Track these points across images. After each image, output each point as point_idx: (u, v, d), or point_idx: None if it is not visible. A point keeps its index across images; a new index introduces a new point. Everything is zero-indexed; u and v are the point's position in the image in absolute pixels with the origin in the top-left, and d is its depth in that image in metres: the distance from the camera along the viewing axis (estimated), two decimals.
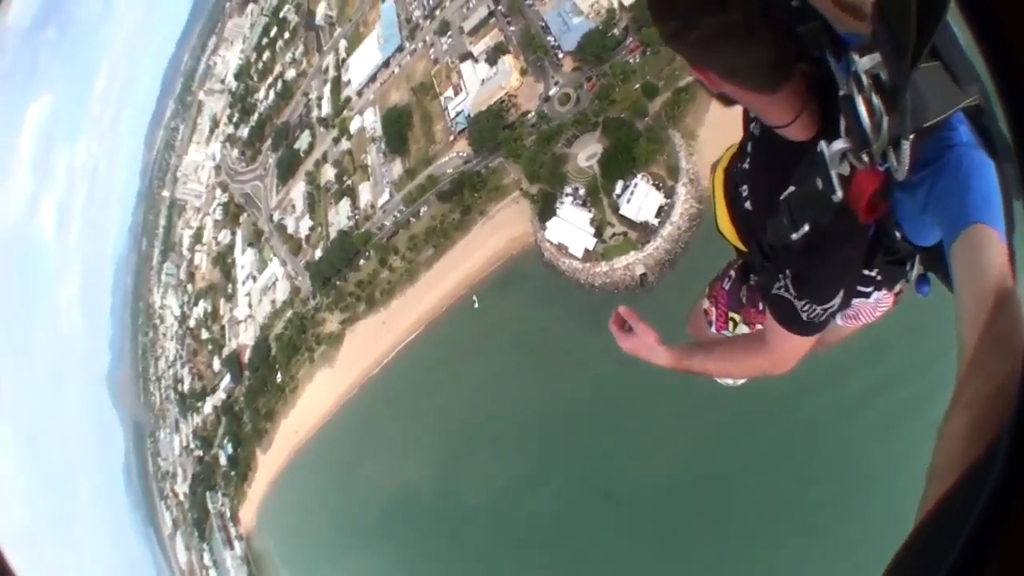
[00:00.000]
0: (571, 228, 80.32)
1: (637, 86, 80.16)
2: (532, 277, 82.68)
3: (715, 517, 56.78)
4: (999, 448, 1.35)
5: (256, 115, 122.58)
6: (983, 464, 1.39)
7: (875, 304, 3.97)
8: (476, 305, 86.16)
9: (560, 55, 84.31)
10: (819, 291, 3.11)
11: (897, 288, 3.80)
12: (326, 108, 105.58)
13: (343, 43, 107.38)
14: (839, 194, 2.66)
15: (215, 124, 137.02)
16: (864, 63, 2.26)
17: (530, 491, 69.57)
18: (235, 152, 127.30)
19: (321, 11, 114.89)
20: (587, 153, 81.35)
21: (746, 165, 3.59)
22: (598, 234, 79.81)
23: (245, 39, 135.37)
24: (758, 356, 3.47)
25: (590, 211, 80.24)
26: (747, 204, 3.56)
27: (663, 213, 77.82)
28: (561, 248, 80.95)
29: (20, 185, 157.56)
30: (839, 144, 2.56)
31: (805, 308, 3.13)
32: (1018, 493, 1.23)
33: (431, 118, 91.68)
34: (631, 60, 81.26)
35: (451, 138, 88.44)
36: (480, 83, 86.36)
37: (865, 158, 2.48)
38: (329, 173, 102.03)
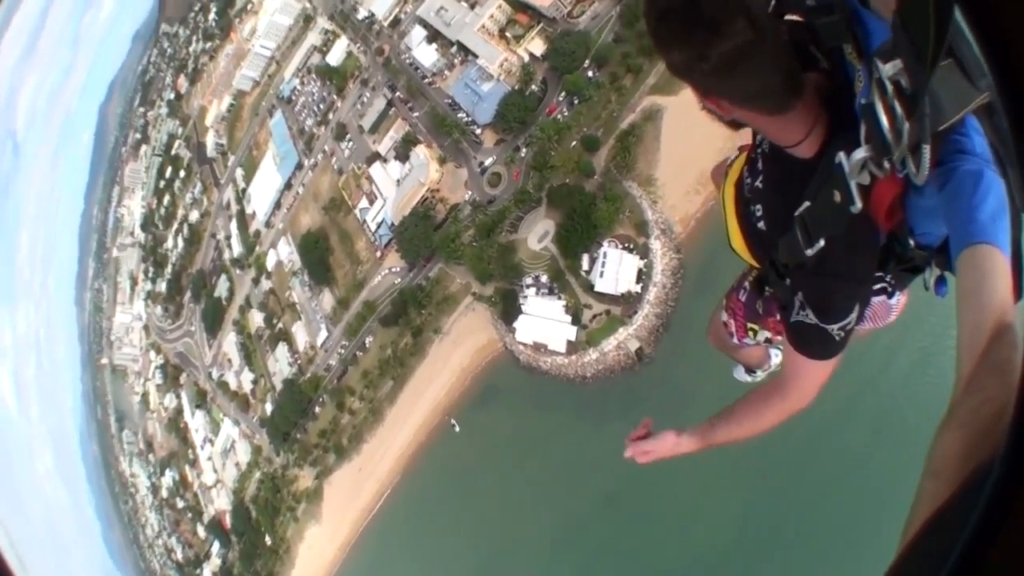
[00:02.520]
0: (544, 323, 63.06)
1: (575, 143, 61.23)
2: (512, 386, 65.91)
3: None
4: (992, 469, 1.26)
5: (169, 266, 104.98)
6: (975, 485, 1.29)
7: (888, 307, 3.59)
8: (457, 429, 68.66)
9: (478, 131, 65.40)
10: (835, 308, 2.77)
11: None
12: (237, 248, 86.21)
13: (239, 172, 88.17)
14: (859, 205, 2.37)
15: (134, 281, 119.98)
16: (888, 70, 2.04)
17: None
18: (158, 309, 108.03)
19: (211, 141, 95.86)
20: (538, 234, 62.43)
21: (759, 184, 3.15)
22: (576, 320, 62.35)
23: (144, 184, 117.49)
24: (779, 399, 3.06)
25: (560, 298, 62.02)
26: (760, 224, 3.14)
27: (643, 276, 60.78)
28: (538, 348, 63.79)
29: None
30: (860, 153, 2.28)
31: (825, 329, 2.78)
32: (1012, 513, 1.18)
33: (350, 236, 72.23)
34: (560, 116, 62.10)
35: (378, 254, 69.24)
36: (396, 185, 67.07)
37: (886, 165, 2.21)
38: (257, 318, 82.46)
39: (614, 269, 60.82)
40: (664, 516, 54.75)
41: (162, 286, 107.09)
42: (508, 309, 63.95)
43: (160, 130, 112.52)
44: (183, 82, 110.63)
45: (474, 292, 66.09)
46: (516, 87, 65.11)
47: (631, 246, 60.99)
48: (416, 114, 70.77)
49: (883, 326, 3.91)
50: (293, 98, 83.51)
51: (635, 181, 61.56)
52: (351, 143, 75.30)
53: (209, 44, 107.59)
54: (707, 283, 59.79)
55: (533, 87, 65.14)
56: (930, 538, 1.32)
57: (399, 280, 69.19)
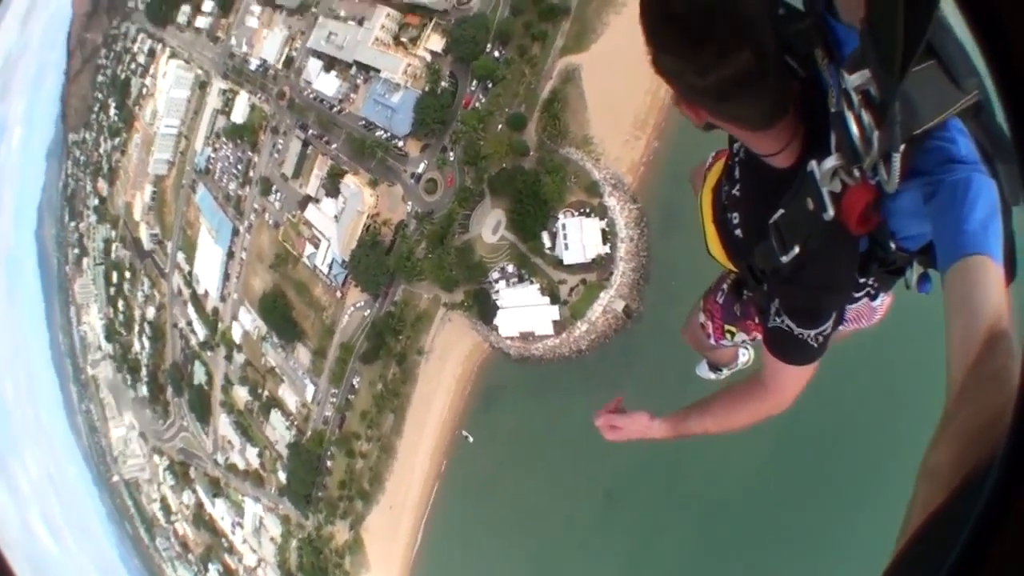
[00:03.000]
0: (524, 311, 59.05)
1: (501, 126, 57.08)
2: (512, 381, 62.08)
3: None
4: (990, 473, 1.24)
5: (143, 369, 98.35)
6: (972, 489, 1.28)
7: (872, 309, 3.51)
8: (470, 440, 64.46)
9: (400, 143, 61.05)
10: (811, 316, 2.70)
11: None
12: (201, 331, 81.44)
13: (180, 256, 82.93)
14: (831, 212, 2.33)
15: (116, 394, 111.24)
16: (854, 80, 2.02)
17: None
18: (148, 413, 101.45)
19: (145, 234, 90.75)
20: (491, 226, 58.46)
21: (736, 191, 3.08)
22: (556, 299, 58.35)
23: (96, 296, 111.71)
24: (757, 400, 2.98)
25: (532, 282, 58.30)
26: (738, 231, 3.09)
27: (608, 236, 57.13)
28: (526, 337, 59.77)
29: None
30: (830, 162, 2.24)
31: (801, 335, 2.71)
32: (1006, 524, 1.16)
33: (306, 285, 67.68)
34: (477, 104, 57.92)
35: (338, 294, 64.86)
36: (334, 221, 62.31)
37: (856, 173, 2.18)
38: (242, 393, 77.71)
39: (577, 237, 57.23)
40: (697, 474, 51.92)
41: (143, 390, 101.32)
42: (484, 309, 59.94)
43: (95, 239, 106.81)
44: (103, 185, 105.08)
45: (445, 303, 61.90)
46: (426, 89, 60.88)
47: (587, 210, 57.37)
48: (334, 146, 66.26)
49: (867, 327, 3.74)
50: (210, 167, 78.64)
51: (572, 145, 57.98)
52: (279, 194, 70.69)
53: (117, 140, 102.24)
54: (672, 222, 56.44)
55: (443, 84, 60.93)
56: (926, 541, 1.28)
57: (367, 313, 64.77)
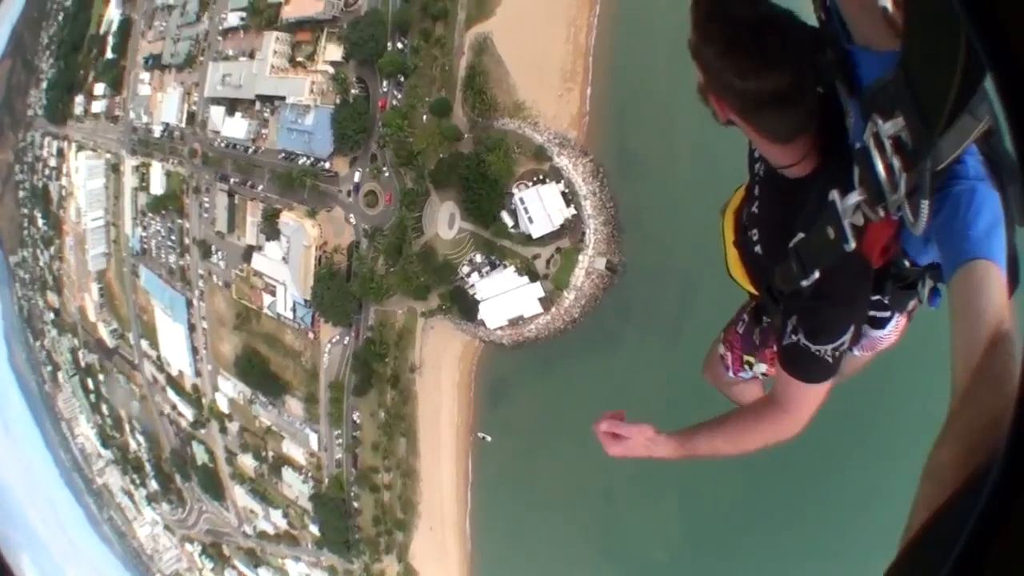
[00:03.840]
0: (506, 297, 53.42)
1: (426, 117, 50.03)
2: (514, 369, 56.66)
3: None
4: (988, 478, 1.22)
5: (147, 464, 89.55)
6: (972, 490, 1.25)
7: (889, 331, 3.19)
8: (489, 439, 58.79)
9: (327, 164, 53.47)
10: (827, 331, 2.57)
11: (909, 307, 3.08)
12: (188, 411, 73.35)
13: (144, 344, 74.67)
14: (852, 244, 2.22)
15: (131, 496, 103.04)
16: (887, 128, 1.91)
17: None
18: (165, 506, 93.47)
19: (104, 333, 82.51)
20: (445, 221, 51.79)
21: (755, 209, 2.97)
22: (535, 276, 52.78)
23: (81, 407, 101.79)
24: (770, 420, 2.77)
25: (505, 266, 51.61)
26: (757, 248, 2.97)
27: (569, 197, 51.56)
28: (515, 322, 54.23)
29: None
30: (853, 197, 2.13)
31: (816, 351, 2.57)
32: (1007, 523, 1.14)
33: (276, 336, 60.80)
34: (394, 102, 50.95)
35: (310, 335, 57.55)
36: (284, 264, 54.63)
37: (880, 212, 2.09)
38: (247, 461, 70.99)
39: (539, 207, 51.81)
40: None
41: (153, 484, 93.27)
42: (464, 306, 53.67)
43: (61, 351, 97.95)
44: (52, 297, 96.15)
45: (422, 312, 55.47)
46: (338, 102, 53.87)
47: (541, 177, 51.95)
48: (260, 188, 58.99)
49: (886, 348, 3.34)
50: (145, 247, 70.80)
51: (505, 116, 52.57)
52: (220, 253, 63.25)
53: (52, 248, 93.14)
54: (627, 164, 51.49)
55: (354, 92, 54.06)
56: (928, 540, 1.25)
57: (346, 345, 57.58)
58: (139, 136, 70.82)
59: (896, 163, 1.90)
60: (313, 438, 64.19)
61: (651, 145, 50.20)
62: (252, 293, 60.62)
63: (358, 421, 61.62)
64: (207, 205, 62.76)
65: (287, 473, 69.33)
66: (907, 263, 2.54)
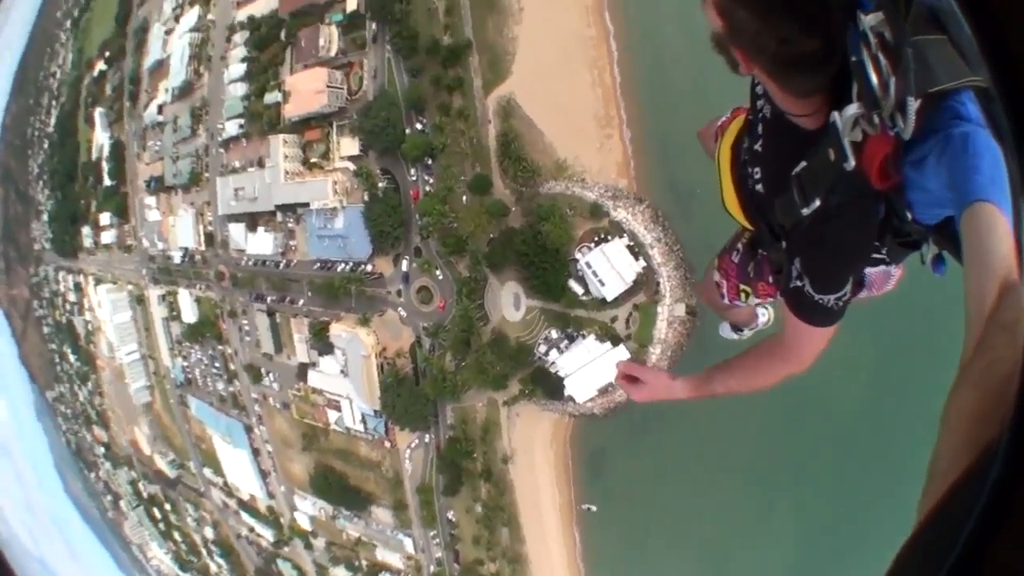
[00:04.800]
0: (591, 368, 47.38)
1: (465, 196, 44.55)
2: (608, 436, 51.30)
3: None
4: (1000, 443, 1.21)
5: None
6: (986, 458, 1.24)
7: (888, 276, 3.27)
8: (594, 509, 53.53)
9: (369, 267, 47.75)
10: (831, 282, 2.52)
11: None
12: (267, 532, 67.93)
13: (207, 471, 69.34)
14: (851, 162, 2.16)
15: None
16: (869, 20, 1.98)
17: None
18: None
19: (162, 464, 77.75)
20: (510, 304, 46.02)
21: (758, 147, 2.85)
22: (616, 339, 47.26)
23: (150, 534, 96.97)
24: (779, 360, 2.81)
25: (584, 336, 46.42)
26: (758, 186, 2.85)
27: (635, 249, 46.39)
28: (605, 390, 48.44)
29: None
30: (851, 110, 2.10)
31: (821, 299, 2.53)
32: (1019, 487, 1.12)
33: (349, 451, 55.87)
34: (427, 188, 45.33)
35: (387, 444, 51.56)
36: (344, 377, 49.06)
37: (876, 121, 2.06)
38: (340, 572, 65.84)
39: (607, 268, 46.72)
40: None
41: None
42: (548, 386, 48.45)
43: (119, 483, 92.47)
44: (100, 432, 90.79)
45: (504, 401, 49.39)
46: (366, 198, 47.84)
47: (602, 235, 46.59)
48: (301, 302, 52.93)
49: (880, 294, 3.48)
50: (190, 377, 65.07)
51: (549, 179, 46.49)
52: (271, 375, 57.59)
53: (89, 383, 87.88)
54: (683, 198, 45.69)
55: (381, 184, 47.90)
56: (929, 535, 1.23)
57: (428, 446, 51.95)
58: (158, 264, 65.36)
59: (884, 65, 1.89)
60: (408, 542, 58.46)
61: (700, 173, 44.89)
62: (314, 411, 54.88)
63: (453, 519, 55.91)
64: (247, 328, 57.10)
65: None
66: (909, 215, 2.43)
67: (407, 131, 46.71)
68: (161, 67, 65.34)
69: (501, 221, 45.24)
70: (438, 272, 46.96)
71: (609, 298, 46.06)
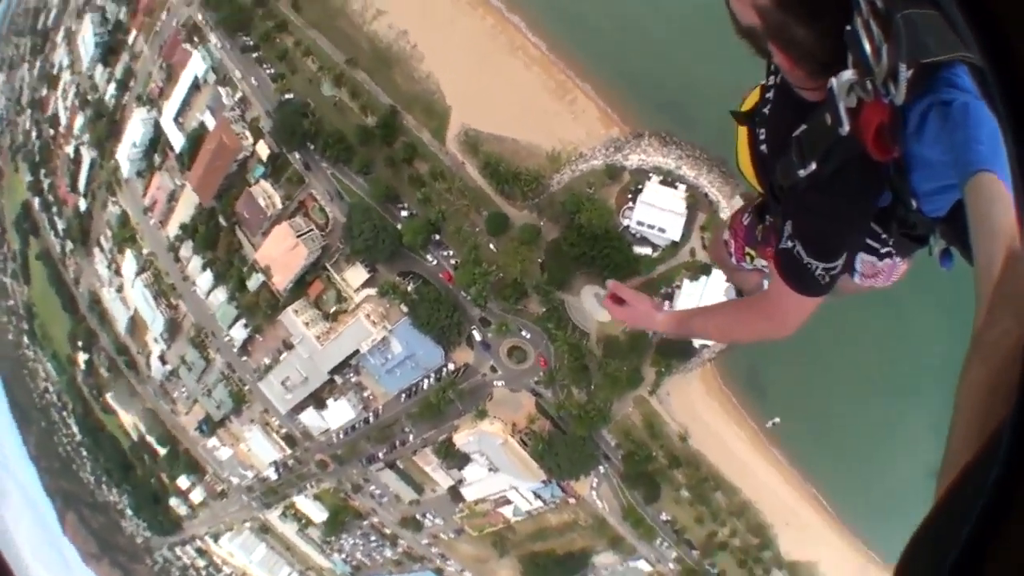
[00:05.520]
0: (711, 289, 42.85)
1: (491, 244, 41.03)
2: (749, 355, 48.21)
3: None
4: (1001, 441, 1.17)
5: None
6: (987, 454, 1.20)
7: (890, 270, 3.12)
8: (778, 420, 50.38)
9: (449, 366, 44.28)
10: (821, 246, 2.47)
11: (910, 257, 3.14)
12: None
13: None
14: (846, 126, 2.15)
15: None
16: None
17: None
18: None
19: None
20: (596, 305, 42.33)
21: (766, 110, 2.89)
22: (705, 267, 43.29)
23: None
24: (761, 317, 2.78)
25: (678, 285, 43.57)
26: (763, 147, 2.88)
27: (669, 181, 42.79)
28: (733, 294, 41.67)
29: None
30: (847, 75, 2.08)
31: (809, 264, 2.47)
32: (1019, 487, 1.09)
33: (540, 528, 53.93)
34: (453, 264, 41.83)
35: (572, 500, 49.73)
36: (496, 474, 46.72)
37: (869, 87, 2.04)
38: None
39: (656, 213, 42.77)
40: None
41: None
42: (677, 352, 46.60)
43: None
44: None
45: (648, 391, 46.51)
46: (406, 310, 44.42)
47: (632, 189, 42.79)
48: (412, 436, 49.29)
49: (881, 286, 3.37)
50: (354, 563, 61.29)
51: (553, 173, 42.88)
52: (428, 514, 54.11)
53: None
54: (675, 109, 42.35)
55: (410, 288, 44.49)
56: (933, 531, 1.20)
57: (608, 477, 48.74)
58: (259, 490, 61.68)
59: (877, 32, 1.91)
60: (641, 564, 54.97)
61: (670, 79, 41.38)
62: (489, 518, 51.10)
63: (669, 518, 52.41)
64: (377, 492, 53.36)
65: None
66: (914, 203, 2.43)
67: (398, 225, 42.70)
68: (136, 324, 61.67)
69: (539, 241, 41.23)
70: (518, 329, 42.98)
71: (677, 237, 42.36)
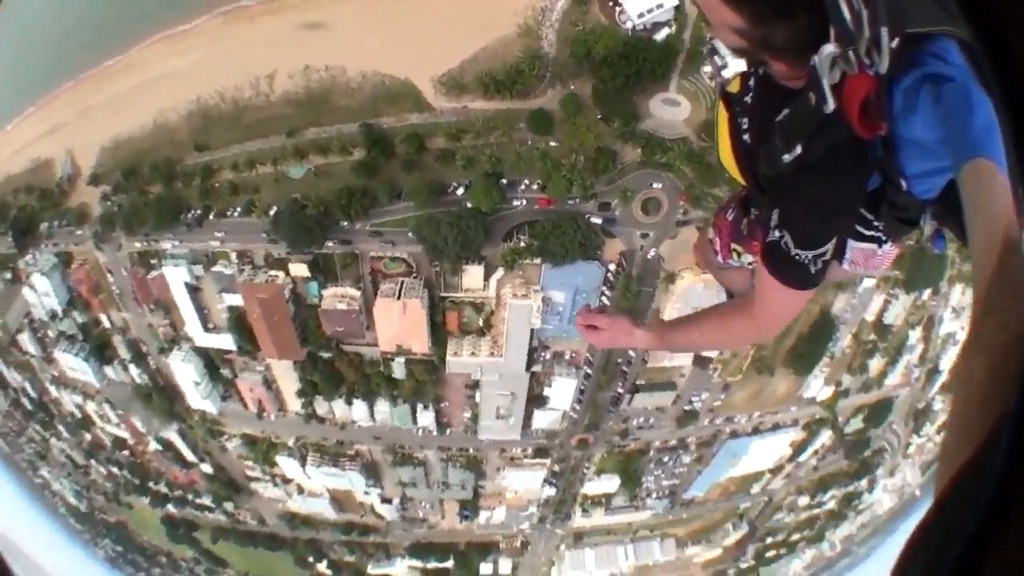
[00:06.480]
0: None
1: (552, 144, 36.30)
2: None
3: None
4: (1001, 439, 1.15)
5: None
6: (986, 453, 1.16)
7: (880, 256, 2.94)
8: None
9: (611, 268, 40.18)
10: (809, 232, 2.33)
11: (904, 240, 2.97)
12: None
13: None
14: (831, 103, 2.03)
15: None
16: None
17: None
18: None
19: None
20: (666, 110, 37.64)
21: (748, 99, 2.78)
22: None
23: None
24: (746, 319, 2.62)
25: None
26: (746, 136, 2.78)
27: None
28: None
29: None
30: (828, 48, 1.96)
31: (797, 255, 2.34)
32: (1019, 487, 1.07)
33: None
34: (539, 185, 37.34)
35: None
36: None
37: (852, 58, 1.93)
38: None
39: None
40: None
41: None
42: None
43: None
44: None
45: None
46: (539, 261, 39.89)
47: None
48: (631, 352, 45.67)
49: (871, 272, 3.33)
50: None
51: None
52: (694, 398, 51.10)
53: None
54: None
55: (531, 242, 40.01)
56: (933, 531, 1.15)
57: None
58: (548, 513, 58.93)
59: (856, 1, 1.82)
60: None
61: None
62: (737, 361, 47.88)
63: None
64: (642, 419, 50.30)
65: None
66: (903, 184, 2.33)
67: (466, 204, 38.56)
68: (339, 500, 58.73)
69: (584, 103, 36.82)
70: (635, 186, 38.93)
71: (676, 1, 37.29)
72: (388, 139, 37.73)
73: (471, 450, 52.18)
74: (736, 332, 2.65)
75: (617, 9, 37.09)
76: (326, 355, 45.99)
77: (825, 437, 57.48)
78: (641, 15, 37.00)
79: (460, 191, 38.85)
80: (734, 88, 2.95)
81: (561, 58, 36.79)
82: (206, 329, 49.08)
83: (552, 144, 37.60)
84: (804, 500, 63.45)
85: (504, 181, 38.37)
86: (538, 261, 40.26)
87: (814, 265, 2.31)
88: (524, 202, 39.01)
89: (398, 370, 45.61)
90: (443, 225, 38.25)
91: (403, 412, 48.94)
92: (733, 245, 3.71)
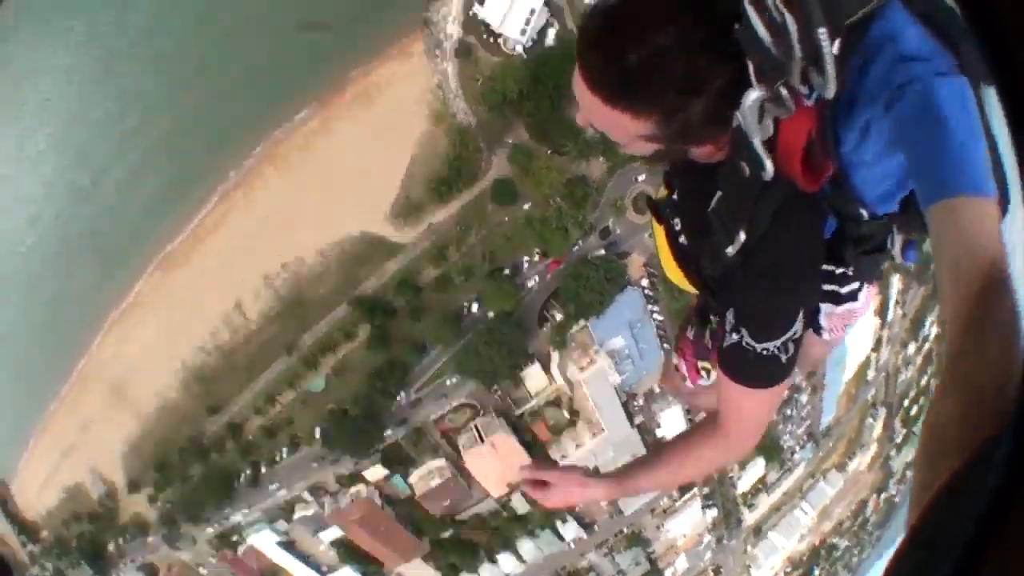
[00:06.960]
0: None
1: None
2: None
3: None
4: (999, 444, 1.09)
5: None
6: (980, 459, 1.10)
7: (862, 305, 2.43)
8: None
9: (643, 284, 38.04)
10: (769, 318, 1.91)
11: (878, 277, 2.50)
12: None
13: None
14: (769, 166, 1.63)
15: None
16: None
17: None
18: None
19: None
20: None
21: (674, 197, 2.42)
22: None
23: None
24: (718, 440, 2.13)
25: None
26: (682, 238, 2.36)
27: None
28: None
29: None
30: (752, 95, 1.54)
31: (763, 351, 1.90)
32: (1011, 513, 1.01)
33: None
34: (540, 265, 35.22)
35: None
36: None
37: (784, 93, 1.51)
38: None
39: None
40: None
41: None
42: None
43: None
44: None
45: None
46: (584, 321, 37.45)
47: None
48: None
49: (863, 317, 2.71)
50: None
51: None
52: None
53: None
54: None
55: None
56: (940, 514, 1.09)
57: None
58: (721, 531, 55.77)
59: (773, 4, 1.36)
60: None
61: None
62: None
63: None
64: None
65: None
66: (863, 212, 1.93)
67: (488, 315, 36.01)
68: None
69: (533, 150, 34.95)
70: (618, 193, 36.76)
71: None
72: (381, 300, 35.44)
73: (624, 529, 49.61)
74: (709, 459, 2.17)
75: (499, 41, 35.52)
76: (448, 534, 43.11)
77: (896, 280, 55.86)
78: (523, 31, 35.45)
79: (475, 307, 36.54)
80: (661, 195, 2.53)
81: (483, 119, 34.95)
82: (321, 573, 45.90)
83: (526, 207, 35.50)
84: (912, 348, 61.41)
85: (507, 271, 36.12)
86: (582, 323, 37.95)
87: (784, 352, 1.89)
88: (536, 278, 36.74)
89: (520, 505, 42.75)
90: (480, 350, 35.95)
91: (547, 539, 46.19)
92: (700, 363, 3.03)
